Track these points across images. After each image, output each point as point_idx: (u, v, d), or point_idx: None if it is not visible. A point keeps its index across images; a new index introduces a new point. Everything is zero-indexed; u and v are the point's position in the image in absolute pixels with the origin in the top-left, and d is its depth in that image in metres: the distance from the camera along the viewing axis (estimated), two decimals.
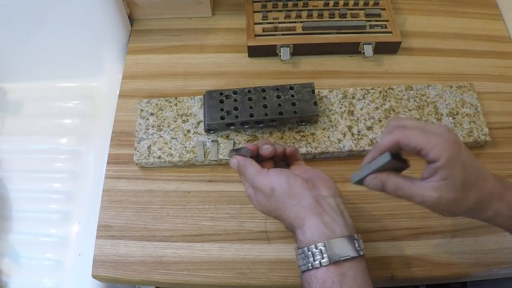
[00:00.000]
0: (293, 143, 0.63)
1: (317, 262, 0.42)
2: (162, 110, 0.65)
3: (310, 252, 0.43)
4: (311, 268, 0.43)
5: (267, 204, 0.48)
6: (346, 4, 0.74)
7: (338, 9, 0.73)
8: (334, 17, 0.72)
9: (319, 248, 0.43)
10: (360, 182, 0.46)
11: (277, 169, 0.49)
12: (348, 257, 0.42)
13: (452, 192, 0.41)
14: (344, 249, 0.43)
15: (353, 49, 0.72)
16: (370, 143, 0.62)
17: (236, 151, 0.52)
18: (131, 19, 0.77)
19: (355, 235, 0.45)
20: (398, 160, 0.44)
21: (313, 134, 0.63)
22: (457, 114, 0.65)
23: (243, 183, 0.52)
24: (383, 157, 0.43)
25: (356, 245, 0.44)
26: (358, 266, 0.43)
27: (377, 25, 0.72)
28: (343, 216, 0.45)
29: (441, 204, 0.42)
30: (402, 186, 0.43)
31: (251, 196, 0.51)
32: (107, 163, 0.63)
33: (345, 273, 0.42)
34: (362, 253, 0.44)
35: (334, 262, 0.42)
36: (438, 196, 0.42)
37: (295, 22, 0.72)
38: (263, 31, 0.71)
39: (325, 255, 0.42)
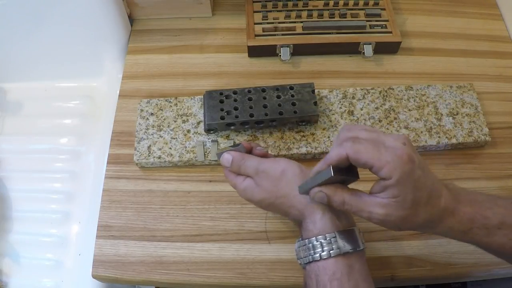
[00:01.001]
0: (293, 143, 0.63)
1: (326, 253, 0.42)
2: (162, 110, 0.65)
3: (318, 243, 0.43)
4: (318, 259, 0.42)
5: (273, 189, 0.47)
6: (346, 4, 0.74)
7: (338, 9, 0.73)
8: (334, 17, 0.72)
9: (329, 238, 0.42)
10: (307, 193, 0.44)
11: (281, 157, 0.48)
12: (356, 249, 0.42)
13: (400, 210, 0.40)
14: (352, 241, 0.43)
15: (353, 49, 0.72)
16: None
17: (230, 147, 0.52)
18: (131, 19, 0.77)
19: (359, 228, 0.45)
20: (347, 172, 0.42)
21: (313, 134, 0.63)
22: (457, 114, 0.65)
23: (232, 180, 0.51)
24: (326, 171, 0.41)
25: (361, 238, 0.44)
26: (362, 260, 0.43)
27: (377, 25, 0.72)
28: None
29: (389, 221, 0.40)
30: (349, 201, 0.42)
31: (250, 186, 0.49)
32: (107, 163, 0.63)
33: (352, 265, 0.42)
34: (364, 246, 0.44)
35: (344, 253, 0.42)
36: (385, 213, 0.40)
37: (295, 22, 0.72)
38: (263, 31, 0.71)
39: (334, 246, 0.42)
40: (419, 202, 0.40)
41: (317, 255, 0.42)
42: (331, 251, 0.42)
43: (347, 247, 0.42)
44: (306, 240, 0.44)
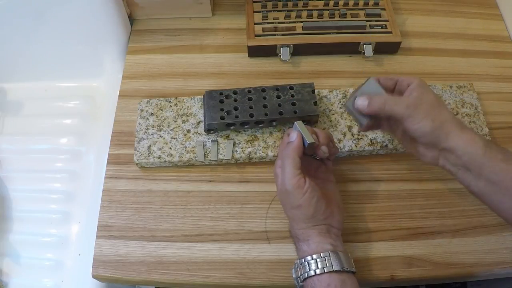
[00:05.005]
0: None
1: (320, 269, 0.47)
2: (162, 110, 0.65)
3: (313, 260, 0.47)
4: (313, 274, 0.46)
5: (284, 204, 0.52)
6: (346, 4, 0.74)
7: (338, 9, 0.73)
8: (334, 17, 0.72)
9: (323, 257, 0.47)
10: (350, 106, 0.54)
11: (311, 187, 0.49)
12: (347, 269, 0.47)
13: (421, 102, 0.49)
14: (343, 262, 0.47)
15: (353, 49, 0.72)
16: (370, 143, 0.62)
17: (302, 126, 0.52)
18: (131, 19, 0.77)
19: (349, 254, 0.50)
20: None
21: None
22: (457, 114, 0.65)
23: (278, 154, 0.54)
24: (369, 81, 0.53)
25: (350, 262, 0.48)
26: (353, 278, 0.48)
27: (377, 25, 0.72)
28: (341, 242, 0.51)
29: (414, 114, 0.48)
30: (387, 100, 0.50)
31: (276, 177, 0.52)
32: (107, 163, 0.63)
33: (345, 280, 0.47)
34: (355, 271, 0.49)
35: (336, 270, 0.46)
36: (407, 105, 0.48)
37: (295, 22, 0.72)
38: (263, 31, 0.71)
39: (328, 263, 0.46)
40: (434, 103, 0.49)
41: (312, 271, 0.47)
42: (325, 268, 0.47)
43: (339, 266, 0.47)
44: (302, 259, 0.48)
